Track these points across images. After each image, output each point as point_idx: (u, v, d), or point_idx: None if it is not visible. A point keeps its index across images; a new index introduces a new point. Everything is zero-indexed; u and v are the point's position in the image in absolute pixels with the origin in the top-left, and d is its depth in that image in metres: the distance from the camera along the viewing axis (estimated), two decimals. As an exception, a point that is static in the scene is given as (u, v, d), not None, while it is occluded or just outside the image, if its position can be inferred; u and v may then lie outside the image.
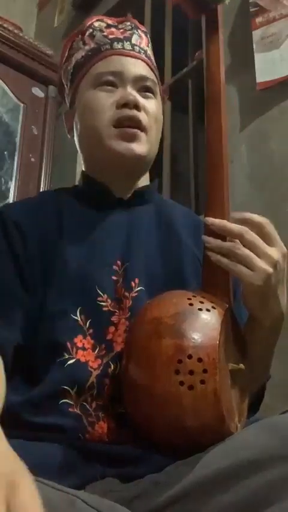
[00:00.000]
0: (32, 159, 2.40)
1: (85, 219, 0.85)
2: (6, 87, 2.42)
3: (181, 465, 0.62)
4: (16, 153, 2.37)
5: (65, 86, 0.95)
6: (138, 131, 0.84)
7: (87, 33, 0.91)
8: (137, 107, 0.84)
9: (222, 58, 0.82)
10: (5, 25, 2.42)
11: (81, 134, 0.90)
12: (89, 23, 0.92)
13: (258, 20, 1.67)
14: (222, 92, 0.80)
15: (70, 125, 0.94)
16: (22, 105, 2.45)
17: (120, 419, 0.71)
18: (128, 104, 0.83)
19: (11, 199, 2.28)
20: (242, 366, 0.71)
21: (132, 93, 0.85)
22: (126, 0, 2.50)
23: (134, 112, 0.83)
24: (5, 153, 2.34)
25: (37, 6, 3.22)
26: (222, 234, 0.72)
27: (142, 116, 0.84)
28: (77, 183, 0.98)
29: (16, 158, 2.36)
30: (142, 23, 1.00)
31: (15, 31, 2.46)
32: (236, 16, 1.73)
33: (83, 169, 0.94)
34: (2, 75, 2.41)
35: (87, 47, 0.90)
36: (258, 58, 1.63)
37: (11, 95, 2.43)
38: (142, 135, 0.84)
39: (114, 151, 0.83)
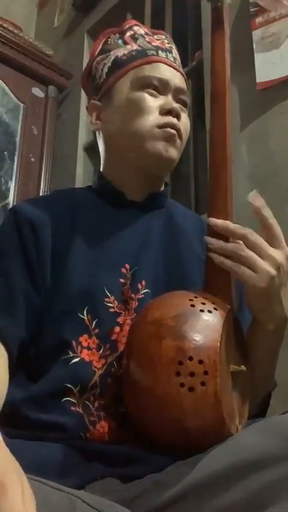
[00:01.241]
0: (32, 159, 2.40)
1: (97, 220, 0.85)
2: (6, 87, 2.42)
3: (181, 465, 0.62)
4: (16, 153, 2.37)
5: (96, 78, 0.94)
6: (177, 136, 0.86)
7: (127, 34, 0.92)
8: (178, 116, 0.86)
9: (228, 58, 0.82)
10: (5, 25, 2.43)
11: (117, 131, 0.89)
12: (129, 25, 0.94)
13: (258, 20, 1.67)
14: (227, 91, 0.80)
15: (97, 116, 0.93)
16: (22, 105, 2.46)
17: (122, 419, 0.71)
18: (172, 112, 0.85)
19: (11, 199, 2.28)
20: (243, 367, 0.71)
21: (173, 102, 0.87)
22: (126, 0, 2.50)
23: (176, 120, 0.86)
24: (5, 153, 2.34)
25: (37, 6, 3.21)
26: (225, 235, 0.72)
27: (180, 126, 0.86)
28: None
29: (16, 158, 2.36)
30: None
31: (15, 31, 2.47)
32: (236, 16, 1.73)
33: (101, 169, 0.94)
34: (2, 75, 2.41)
35: (129, 47, 0.90)
36: (258, 58, 1.62)
37: (11, 95, 2.43)
38: (178, 141, 0.86)
39: (153, 150, 0.84)
